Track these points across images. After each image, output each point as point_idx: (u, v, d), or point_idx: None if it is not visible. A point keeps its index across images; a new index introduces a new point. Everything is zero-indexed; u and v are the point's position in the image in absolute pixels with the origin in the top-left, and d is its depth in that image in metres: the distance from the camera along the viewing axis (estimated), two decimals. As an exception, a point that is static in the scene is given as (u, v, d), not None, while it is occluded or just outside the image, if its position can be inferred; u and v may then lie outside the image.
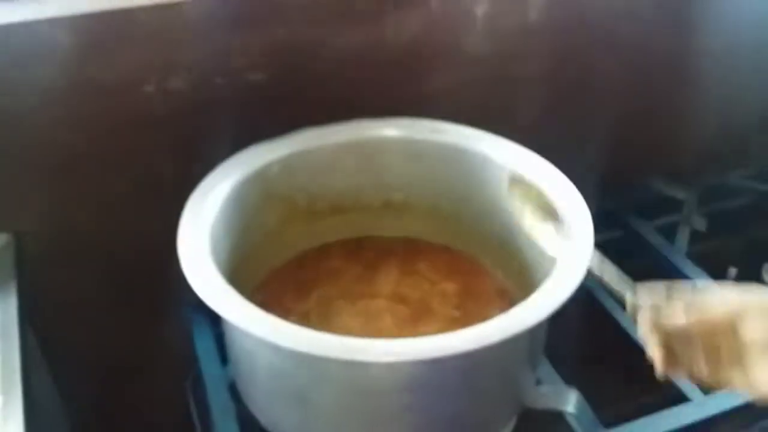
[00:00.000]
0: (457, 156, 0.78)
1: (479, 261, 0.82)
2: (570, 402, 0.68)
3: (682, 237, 0.98)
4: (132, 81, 0.77)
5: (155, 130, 0.81)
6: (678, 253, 0.95)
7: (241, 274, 0.74)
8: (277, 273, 0.80)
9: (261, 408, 0.67)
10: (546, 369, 0.76)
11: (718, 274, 0.95)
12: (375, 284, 0.79)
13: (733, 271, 1.35)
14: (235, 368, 0.70)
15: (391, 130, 0.80)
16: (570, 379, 0.76)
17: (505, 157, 0.76)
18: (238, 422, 0.71)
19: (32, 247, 0.82)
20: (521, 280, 0.76)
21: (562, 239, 0.67)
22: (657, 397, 0.76)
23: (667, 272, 0.94)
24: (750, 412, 0.74)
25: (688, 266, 0.92)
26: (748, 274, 0.93)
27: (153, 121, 0.80)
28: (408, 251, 0.83)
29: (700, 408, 0.74)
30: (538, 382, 0.74)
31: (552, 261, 0.67)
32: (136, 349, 0.92)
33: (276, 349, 0.54)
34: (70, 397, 0.95)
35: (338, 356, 0.52)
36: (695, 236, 1.01)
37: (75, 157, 0.79)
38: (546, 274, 0.69)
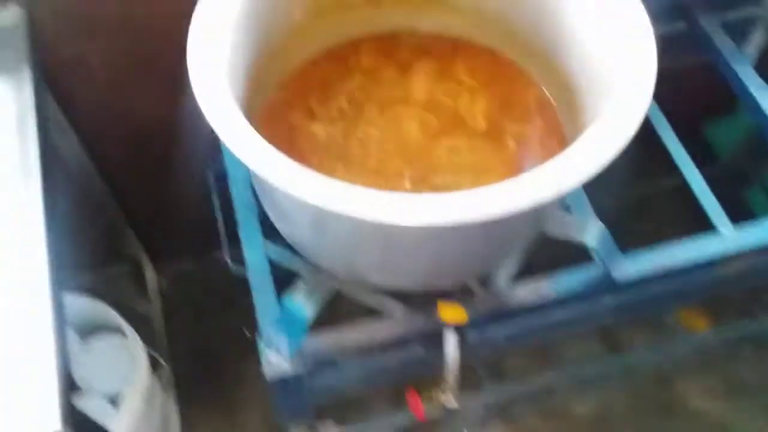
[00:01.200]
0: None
1: (525, 69, 0.75)
2: (591, 234, 0.67)
3: (753, 42, 0.87)
4: None
5: None
6: (744, 63, 0.86)
7: (266, 71, 0.70)
8: (303, 70, 0.74)
9: (280, 225, 0.67)
10: (577, 195, 0.74)
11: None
12: (406, 88, 0.73)
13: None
14: (255, 183, 0.69)
15: None
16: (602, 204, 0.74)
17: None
18: (258, 218, 0.72)
19: (47, 22, 0.78)
20: (567, 95, 0.71)
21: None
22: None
23: (728, 83, 0.87)
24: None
25: (752, 80, 0.84)
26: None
27: None
28: (448, 51, 0.76)
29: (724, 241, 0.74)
30: (566, 208, 0.72)
31: (604, 84, 0.61)
32: (162, 121, 0.91)
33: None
34: (100, 158, 0.97)
35: (349, 213, 0.49)
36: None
37: None
38: (594, 95, 0.64)
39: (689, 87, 1.02)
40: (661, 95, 0.87)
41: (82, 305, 1.01)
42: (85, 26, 0.80)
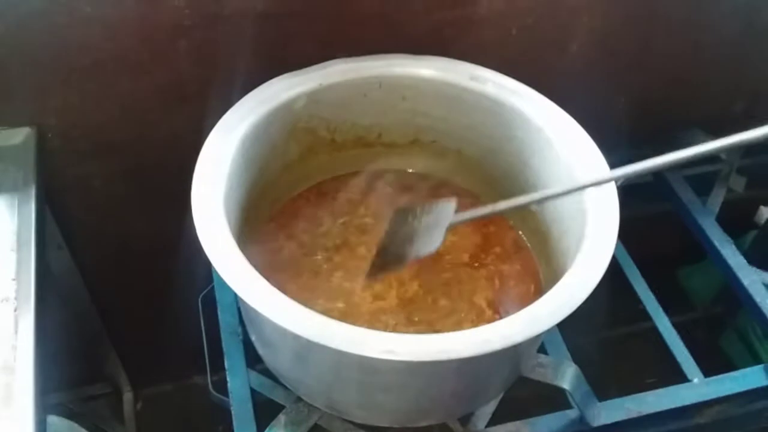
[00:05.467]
0: (492, 107, 0.74)
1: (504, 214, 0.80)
2: (566, 378, 0.69)
3: (716, 196, 0.94)
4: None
5: (182, 38, 0.77)
6: (708, 214, 0.92)
7: (260, 202, 0.75)
8: (294, 202, 0.80)
9: (264, 353, 0.69)
10: (553, 337, 0.77)
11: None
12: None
13: (765, 210, 1.32)
14: (243, 311, 0.72)
15: (426, 70, 0.75)
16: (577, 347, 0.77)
17: (537, 115, 0.72)
18: (243, 346, 0.74)
19: (56, 142, 0.82)
20: (542, 239, 0.76)
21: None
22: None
23: (693, 230, 0.92)
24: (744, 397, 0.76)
25: (715, 231, 0.89)
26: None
27: (181, 31, 0.77)
28: (430, 191, 0.82)
29: (695, 390, 0.76)
30: (541, 347, 0.75)
31: (573, 234, 0.66)
32: (156, 244, 0.95)
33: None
34: (95, 284, 0.99)
35: (334, 346, 0.52)
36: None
37: (101, 58, 0.77)
38: (565, 243, 0.69)
39: (661, 235, 1.08)
40: (632, 243, 0.93)
41: (58, 427, 0.99)
42: (93, 149, 0.85)
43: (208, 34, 0.77)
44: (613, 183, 0.65)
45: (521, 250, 0.78)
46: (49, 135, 0.81)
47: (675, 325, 0.86)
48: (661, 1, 0.92)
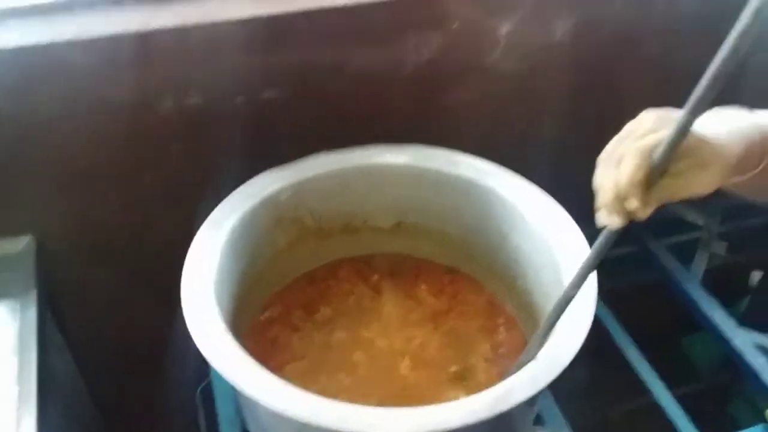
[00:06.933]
0: (468, 189, 0.78)
1: (488, 287, 0.83)
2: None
3: (699, 262, 0.96)
4: (149, 98, 0.78)
5: (173, 143, 0.83)
6: (692, 280, 0.94)
7: (251, 293, 0.77)
8: (285, 291, 0.82)
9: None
10: (548, 402, 0.78)
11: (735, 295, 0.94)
12: (378, 310, 0.81)
13: (756, 274, 1.34)
14: (238, 398, 0.73)
15: (403, 157, 0.80)
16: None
17: (510, 193, 0.76)
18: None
19: (55, 247, 0.86)
20: (527, 311, 0.78)
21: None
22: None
23: (680, 297, 0.94)
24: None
25: (701, 296, 0.91)
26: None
27: (171, 135, 0.82)
28: (415, 272, 0.85)
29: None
30: (538, 419, 0.75)
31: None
32: (155, 342, 0.97)
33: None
34: (95, 385, 1.01)
35: (325, 426, 0.53)
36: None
37: (94, 166, 0.81)
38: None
39: (658, 305, 1.09)
40: (630, 314, 0.94)
41: None
42: (91, 253, 0.88)
43: (196, 138, 0.82)
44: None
45: (509, 322, 0.80)
46: (48, 241, 0.84)
47: (683, 395, 0.86)
48: (624, 74, 0.97)
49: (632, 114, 0.54)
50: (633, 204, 0.49)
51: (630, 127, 0.52)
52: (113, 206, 0.86)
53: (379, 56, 0.82)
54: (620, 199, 0.50)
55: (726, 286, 1.02)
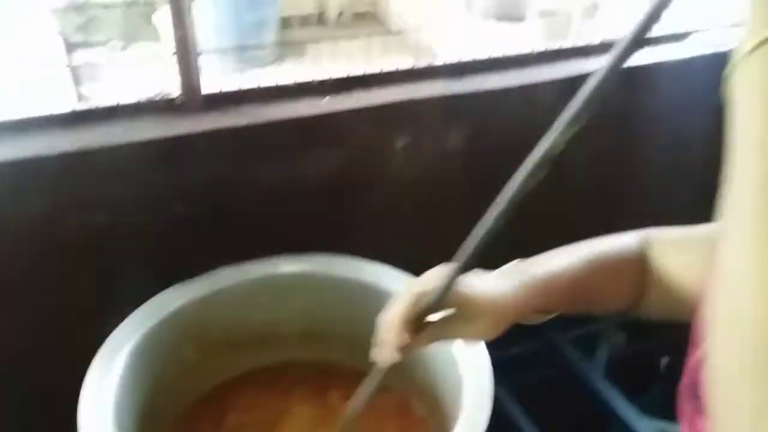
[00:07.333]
0: (373, 293, 0.81)
1: (395, 389, 0.84)
2: None
3: (600, 353, 1.01)
4: (54, 218, 0.79)
5: (79, 259, 0.83)
6: (595, 370, 0.98)
7: (161, 407, 0.76)
8: (197, 403, 0.82)
9: None
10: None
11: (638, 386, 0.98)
12: (288, 415, 0.81)
13: (664, 360, 1.39)
14: None
15: (308, 266, 0.82)
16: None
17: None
18: None
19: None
20: (432, 407, 0.79)
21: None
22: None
23: (585, 389, 0.97)
24: None
25: (604, 386, 0.94)
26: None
27: (76, 253, 0.82)
28: (325, 377, 0.86)
29: None
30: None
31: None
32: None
33: None
34: None
35: None
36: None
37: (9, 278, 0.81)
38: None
39: (573, 399, 1.12)
40: (546, 410, 0.96)
41: None
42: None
43: (101, 256, 0.83)
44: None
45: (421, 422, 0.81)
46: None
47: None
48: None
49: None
50: (402, 339, 0.57)
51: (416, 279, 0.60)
52: (17, 325, 0.84)
53: (282, 171, 0.86)
54: (388, 333, 0.58)
55: (636, 375, 1.06)
